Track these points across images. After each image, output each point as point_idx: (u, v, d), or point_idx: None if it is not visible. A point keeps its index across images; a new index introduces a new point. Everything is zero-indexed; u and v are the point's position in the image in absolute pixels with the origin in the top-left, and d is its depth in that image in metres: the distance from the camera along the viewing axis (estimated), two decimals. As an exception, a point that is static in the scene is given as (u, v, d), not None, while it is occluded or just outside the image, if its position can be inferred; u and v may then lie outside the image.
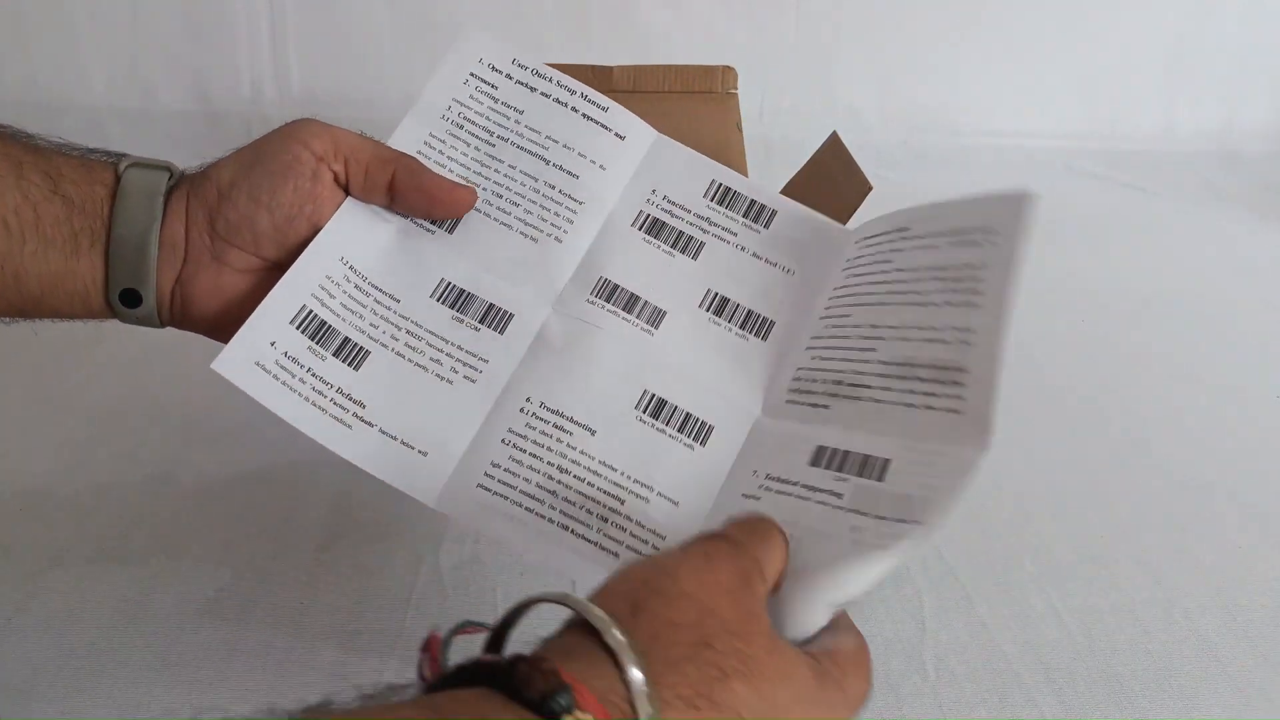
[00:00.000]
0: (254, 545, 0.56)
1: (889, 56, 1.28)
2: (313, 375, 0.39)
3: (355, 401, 0.40)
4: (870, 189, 0.51)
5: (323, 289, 0.41)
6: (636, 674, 0.26)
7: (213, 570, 0.54)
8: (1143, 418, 0.73)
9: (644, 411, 0.42)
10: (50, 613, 0.51)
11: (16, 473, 0.61)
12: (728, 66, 0.73)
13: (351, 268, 0.42)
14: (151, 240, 0.41)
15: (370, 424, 0.40)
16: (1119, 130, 1.33)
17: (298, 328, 0.40)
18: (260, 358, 0.39)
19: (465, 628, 0.30)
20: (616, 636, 0.27)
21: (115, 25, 1.19)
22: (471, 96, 0.48)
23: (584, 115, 0.48)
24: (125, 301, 0.41)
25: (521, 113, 0.48)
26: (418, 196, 0.44)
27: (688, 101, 0.73)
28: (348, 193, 0.44)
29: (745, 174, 0.72)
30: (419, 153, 0.46)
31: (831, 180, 0.58)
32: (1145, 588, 0.56)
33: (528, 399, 0.42)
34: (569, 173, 0.47)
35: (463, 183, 0.45)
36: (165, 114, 1.21)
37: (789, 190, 0.66)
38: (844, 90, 1.29)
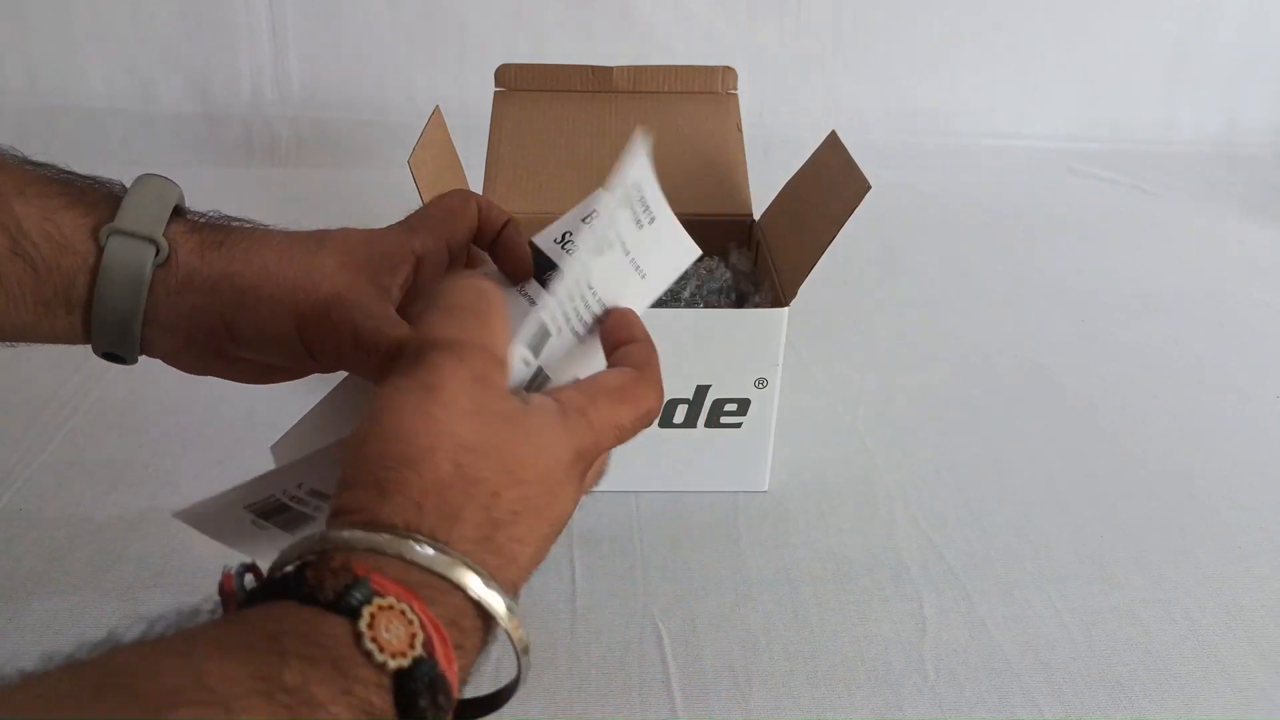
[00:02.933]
0: (254, 545, 0.56)
1: (889, 57, 1.28)
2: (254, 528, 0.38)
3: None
4: (869, 188, 0.51)
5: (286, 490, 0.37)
6: (424, 550, 0.26)
7: (213, 571, 0.54)
8: (1143, 418, 0.73)
9: None
10: (51, 613, 0.51)
11: (17, 474, 0.61)
12: (728, 67, 0.73)
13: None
14: (135, 323, 0.37)
15: None
16: (1120, 130, 1.33)
17: (253, 510, 0.37)
18: (207, 509, 0.36)
19: (252, 569, 0.29)
20: (374, 539, 0.26)
21: (115, 26, 1.19)
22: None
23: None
24: (109, 358, 0.39)
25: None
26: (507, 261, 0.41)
27: (688, 102, 0.73)
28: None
29: (745, 174, 0.72)
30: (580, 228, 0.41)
31: (831, 179, 0.58)
32: (1145, 588, 0.56)
33: None
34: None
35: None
36: (165, 115, 1.21)
37: (789, 190, 0.67)
38: (844, 91, 1.29)
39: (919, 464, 0.66)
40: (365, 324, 0.36)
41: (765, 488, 0.62)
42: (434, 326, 0.30)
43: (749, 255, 0.70)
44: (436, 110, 0.62)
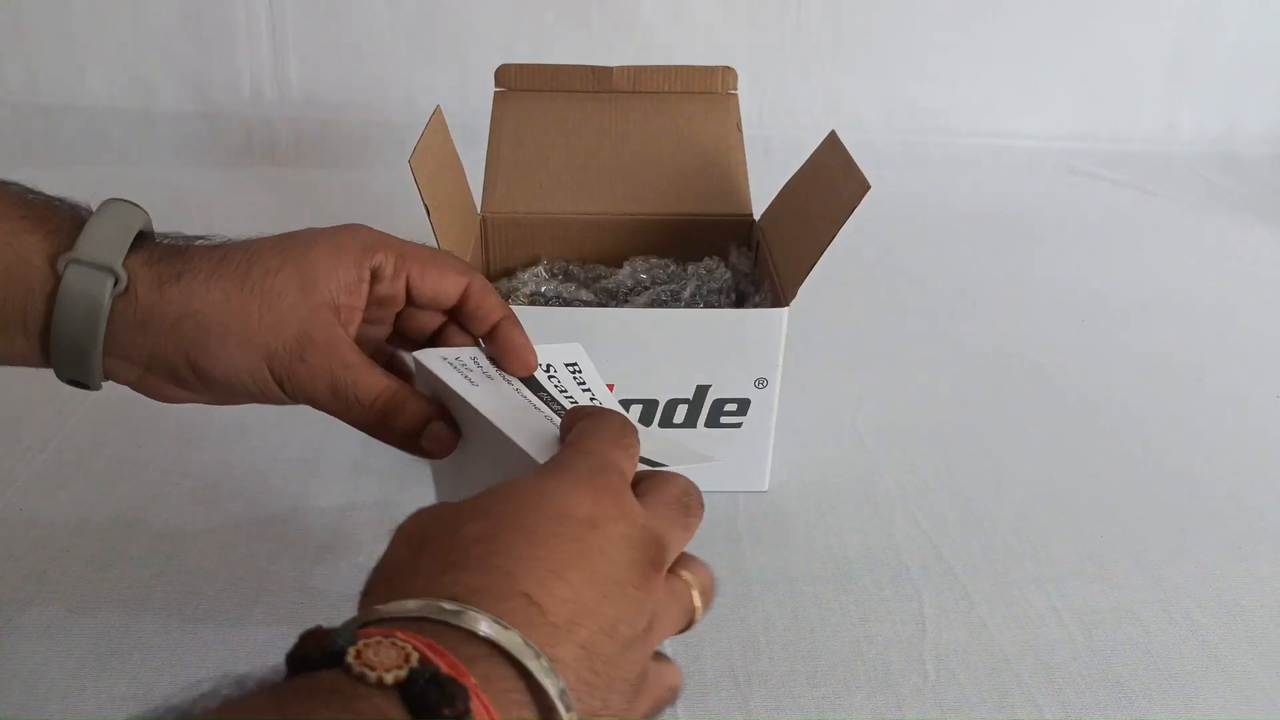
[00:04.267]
0: (254, 546, 0.56)
1: (889, 57, 1.28)
2: None
3: None
4: (869, 188, 0.51)
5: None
6: (389, 606, 0.26)
7: (213, 570, 0.54)
8: (1143, 418, 0.73)
9: None
10: (51, 613, 0.51)
11: (17, 474, 0.61)
12: (727, 67, 0.73)
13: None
14: (94, 352, 0.36)
15: None
16: (1120, 132, 1.33)
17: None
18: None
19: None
20: (350, 621, 0.26)
21: (115, 26, 1.19)
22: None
23: None
24: (73, 384, 0.38)
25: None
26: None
27: (687, 102, 0.73)
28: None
29: (745, 174, 0.72)
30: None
31: (831, 179, 0.58)
32: (1145, 588, 0.56)
33: None
34: None
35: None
36: (165, 115, 1.21)
37: (789, 190, 0.66)
38: (844, 91, 1.29)
39: (919, 464, 0.66)
40: (342, 376, 0.37)
41: (765, 488, 0.62)
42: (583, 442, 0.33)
43: (749, 255, 0.70)
44: (437, 110, 0.62)
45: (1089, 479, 0.65)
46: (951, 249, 1.05)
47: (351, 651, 0.23)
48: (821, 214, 0.56)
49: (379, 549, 0.56)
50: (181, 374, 0.37)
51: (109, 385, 0.71)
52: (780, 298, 0.58)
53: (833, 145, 0.61)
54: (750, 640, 0.51)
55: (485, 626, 0.25)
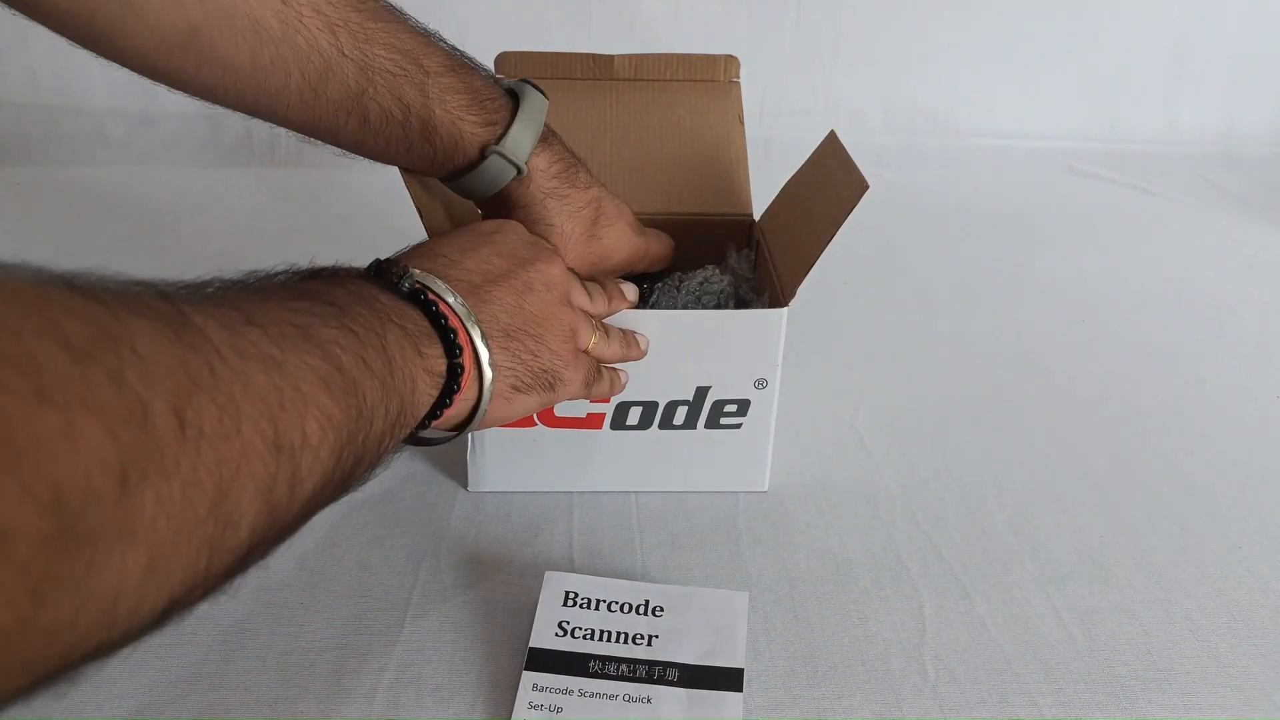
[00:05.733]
0: (254, 545, 0.56)
1: (890, 57, 1.28)
2: None
3: None
4: (867, 188, 0.51)
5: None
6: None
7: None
8: (1143, 417, 0.73)
9: None
10: (50, 613, 0.50)
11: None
12: (730, 55, 0.72)
13: None
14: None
15: None
16: (1121, 131, 1.33)
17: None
18: None
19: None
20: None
21: (115, 26, 1.19)
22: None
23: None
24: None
25: None
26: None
27: (689, 90, 0.72)
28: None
29: (746, 169, 0.72)
30: None
31: (830, 179, 0.58)
32: (1145, 588, 0.56)
33: None
34: None
35: None
36: (165, 115, 1.21)
37: (789, 190, 0.66)
38: (844, 90, 1.29)
39: (919, 464, 0.66)
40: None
41: (765, 488, 0.62)
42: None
43: (749, 257, 0.69)
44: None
45: (1089, 478, 0.65)
46: (952, 248, 1.05)
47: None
48: (821, 214, 0.56)
49: (379, 548, 0.56)
50: None
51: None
52: (779, 298, 0.58)
53: (832, 145, 0.60)
54: (750, 640, 0.51)
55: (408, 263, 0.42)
